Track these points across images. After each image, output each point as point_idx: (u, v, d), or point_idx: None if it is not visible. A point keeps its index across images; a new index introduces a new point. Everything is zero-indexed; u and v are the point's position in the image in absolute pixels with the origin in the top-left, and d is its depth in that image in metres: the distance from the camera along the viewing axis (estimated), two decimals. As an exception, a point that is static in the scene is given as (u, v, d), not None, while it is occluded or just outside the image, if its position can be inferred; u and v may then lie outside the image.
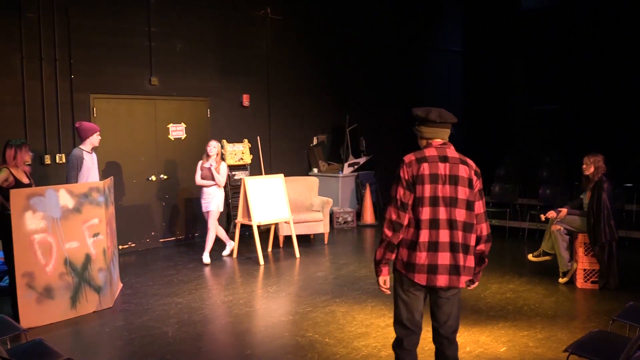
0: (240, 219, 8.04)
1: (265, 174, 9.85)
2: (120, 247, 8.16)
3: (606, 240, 6.09)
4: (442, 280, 3.17)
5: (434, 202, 3.19)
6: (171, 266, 7.57)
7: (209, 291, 6.45)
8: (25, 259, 5.22)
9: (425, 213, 3.18)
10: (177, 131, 8.97)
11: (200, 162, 7.75)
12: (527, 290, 6.22)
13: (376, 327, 5.10)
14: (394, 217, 3.23)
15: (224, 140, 9.55)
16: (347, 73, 11.38)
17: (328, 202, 8.88)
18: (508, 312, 5.49)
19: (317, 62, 10.91)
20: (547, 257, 6.58)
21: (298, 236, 8.40)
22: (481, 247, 3.31)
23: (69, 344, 4.92)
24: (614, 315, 4.08)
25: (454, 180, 3.22)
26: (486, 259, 3.38)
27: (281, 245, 8.72)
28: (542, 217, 6.59)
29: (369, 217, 10.42)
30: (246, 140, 9.83)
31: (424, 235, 3.17)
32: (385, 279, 3.34)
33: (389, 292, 3.37)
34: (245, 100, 9.81)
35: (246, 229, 9.02)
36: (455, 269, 3.18)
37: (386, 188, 12.26)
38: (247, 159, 9.77)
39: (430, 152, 3.30)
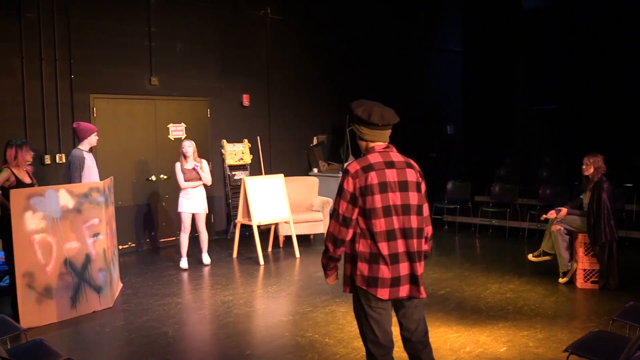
0: (240, 219, 8.04)
1: (265, 174, 9.85)
2: (120, 247, 8.16)
3: (606, 240, 6.08)
4: (403, 291, 3.03)
5: (387, 212, 3.00)
6: (171, 266, 7.57)
7: (209, 291, 6.45)
8: (25, 259, 5.21)
9: (380, 225, 2.99)
10: (177, 131, 8.97)
11: (177, 165, 7.34)
12: (527, 290, 6.22)
13: (376, 327, 5.10)
14: (335, 232, 3.04)
15: (224, 140, 9.56)
16: (347, 73, 11.38)
17: (328, 202, 8.88)
18: (508, 312, 5.49)
19: (317, 62, 10.91)
20: (547, 257, 6.58)
21: (298, 236, 8.40)
22: (426, 247, 3.19)
23: (69, 344, 4.92)
24: (614, 315, 4.08)
25: (403, 186, 3.06)
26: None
27: (281, 245, 8.72)
28: (543, 217, 6.59)
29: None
30: (246, 140, 9.84)
31: (384, 248, 2.99)
32: (334, 281, 3.35)
33: (336, 282, 3.35)
34: (245, 100, 9.81)
35: (246, 229, 9.02)
36: (414, 279, 3.04)
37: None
38: (247, 159, 9.78)
39: (374, 158, 3.07)
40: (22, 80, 7.47)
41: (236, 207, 8.94)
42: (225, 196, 9.65)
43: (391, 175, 3.04)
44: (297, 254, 8.03)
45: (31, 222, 5.23)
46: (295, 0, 10.52)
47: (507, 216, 9.18)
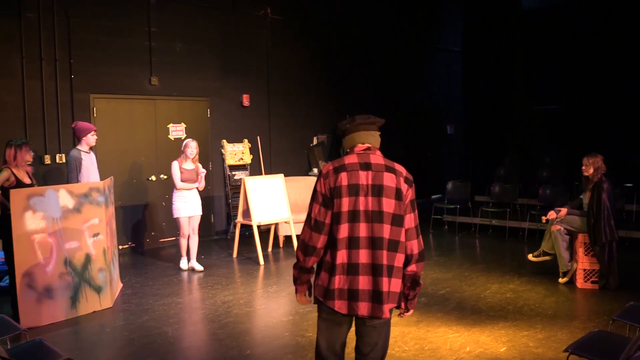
0: (240, 219, 8.04)
1: (265, 174, 9.85)
2: (120, 247, 8.16)
3: (606, 241, 6.08)
4: (363, 308, 2.75)
5: (353, 217, 2.75)
6: (171, 266, 7.57)
7: (209, 291, 6.45)
8: (25, 259, 5.21)
9: (343, 230, 2.75)
10: (177, 131, 8.97)
11: (176, 163, 7.10)
12: (527, 290, 6.22)
13: (376, 327, 5.10)
14: (306, 238, 2.83)
15: (224, 140, 9.56)
16: (347, 73, 11.39)
17: (328, 202, 8.87)
18: (508, 312, 5.49)
19: (317, 62, 10.91)
20: (547, 257, 6.58)
21: (298, 236, 8.39)
22: (412, 268, 2.86)
23: (69, 344, 4.91)
24: (614, 315, 4.07)
25: (377, 191, 2.78)
26: (421, 282, 2.96)
27: (281, 245, 8.72)
28: (544, 219, 6.58)
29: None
30: (246, 140, 9.84)
31: (342, 257, 2.75)
32: (302, 298, 3.02)
33: (308, 302, 3.03)
34: (245, 100, 9.81)
35: (246, 229, 9.03)
36: (377, 296, 2.74)
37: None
38: (247, 159, 9.78)
39: (350, 159, 2.86)
40: (22, 80, 7.47)
41: (236, 207, 8.94)
42: (225, 196, 9.65)
43: (365, 177, 2.79)
44: (297, 254, 8.01)
45: (31, 222, 5.23)
46: (295, 0, 10.52)
47: (507, 216, 9.18)
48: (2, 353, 3.23)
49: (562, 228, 6.36)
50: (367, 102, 11.75)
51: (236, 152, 9.65)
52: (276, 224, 8.52)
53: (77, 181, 6.25)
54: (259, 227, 7.78)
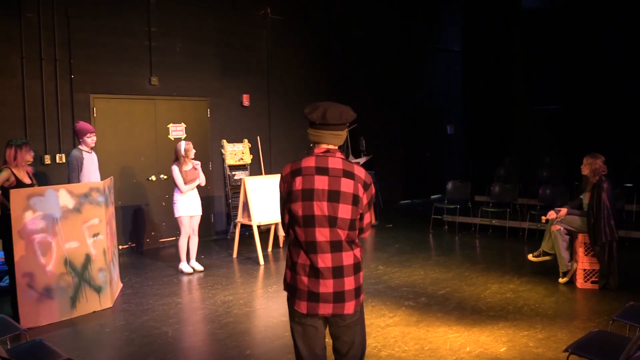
0: (240, 219, 8.04)
1: (265, 174, 9.85)
2: (120, 247, 8.16)
3: (606, 241, 6.08)
4: (324, 308, 2.76)
5: (308, 221, 2.76)
6: (171, 266, 7.56)
7: (209, 291, 6.45)
8: (25, 259, 5.21)
9: (300, 234, 2.78)
10: (177, 131, 8.97)
11: (176, 167, 7.02)
12: (527, 290, 6.22)
13: (376, 327, 5.10)
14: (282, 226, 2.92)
15: (224, 140, 9.56)
16: (347, 73, 11.39)
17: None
18: (508, 312, 5.49)
19: (317, 62, 10.91)
20: (547, 257, 6.58)
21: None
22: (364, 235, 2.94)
23: (69, 344, 4.91)
24: (614, 315, 4.07)
25: (334, 196, 2.75)
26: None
27: (281, 245, 8.72)
28: (543, 219, 6.58)
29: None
30: (246, 140, 9.84)
31: (302, 258, 2.78)
32: None
33: None
34: (245, 100, 9.81)
35: (246, 229, 9.03)
36: (340, 296, 2.77)
37: (386, 188, 12.30)
38: (247, 159, 9.78)
39: (308, 162, 2.82)
40: (22, 80, 7.47)
41: (236, 207, 8.94)
42: (225, 196, 9.65)
43: (321, 182, 2.76)
44: (297, 254, 8.02)
45: (31, 222, 5.23)
46: (295, 0, 10.52)
47: (507, 216, 9.18)
48: (2, 353, 3.23)
49: (562, 228, 6.36)
50: (367, 102, 11.76)
51: (236, 152, 9.65)
52: (276, 224, 8.51)
53: (79, 181, 6.26)
54: (259, 227, 7.78)
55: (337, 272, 2.76)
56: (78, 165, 6.31)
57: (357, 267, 2.83)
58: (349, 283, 2.79)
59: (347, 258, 2.79)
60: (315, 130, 2.86)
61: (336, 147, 2.88)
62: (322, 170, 2.78)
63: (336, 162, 2.81)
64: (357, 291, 2.83)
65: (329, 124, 2.80)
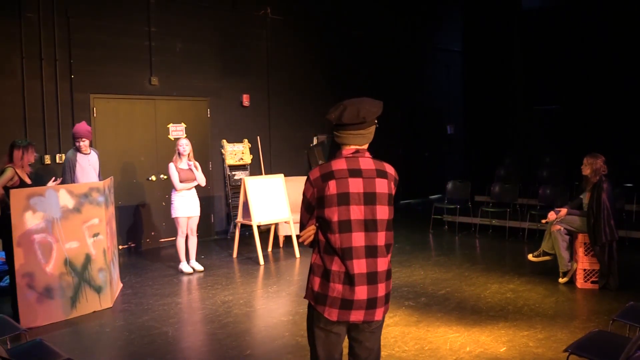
0: (240, 219, 8.04)
1: (265, 174, 9.85)
2: (120, 247, 8.17)
3: (606, 241, 6.08)
4: (356, 315, 2.69)
5: (346, 227, 2.65)
6: (171, 266, 7.56)
7: (209, 291, 6.45)
8: (25, 259, 5.21)
9: (336, 240, 2.66)
10: (177, 131, 8.97)
11: (172, 166, 7.04)
12: (527, 290, 6.22)
13: (376, 327, 5.10)
14: (300, 231, 2.86)
15: (224, 140, 9.56)
16: (347, 73, 11.38)
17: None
18: (508, 312, 5.49)
19: (317, 62, 10.91)
20: (547, 257, 6.58)
21: (298, 236, 8.39)
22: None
23: (69, 344, 4.91)
24: (614, 315, 4.07)
25: (370, 199, 2.67)
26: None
27: (281, 245, 8.72)
28: (543, 221, 6.57)
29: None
30: (246, 140, 9.84)
31: (337, 265, 2.66)
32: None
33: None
34: (245, 100, 9.81)
35: (246, 229, 9.03)
36: (373, 302, 2.69)
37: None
38: (247, 159, 9.78)
39: (338, 164, 2.70)
40: (22, 80, 7.47)
41: (236, 207, 8.94)
42: (225, 196, 9.65)
43: (355, 185, 2.66)
44: (297, 254, 8.03)
45: (31, 222, 5.23)
46: (295, 0, 10.52)
47: (507, 216, 9.18)
48: (2, 353, 3.23)
49: (562, 228, 6.36)
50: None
51: (236, 152, 9.65)
52: (276, 224, 8.51)
53: (71, 181, 6.26)
54: (259, 227, 7.78)
55: (372, 278, 2.68)
56: (70, 166, 6.33)
57: (389, 273, 2.77)
58: (381, 289, 2.71)
59: (382, 264, 2.71)
60: (337, 132, 2.76)
61: (364, 147, 2.79)
62: (355, 172, 2.68)
63: (367, 162, 2.73)
64: (388, 297, 2.78)
65: (345, 124, 2.70)
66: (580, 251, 6.27)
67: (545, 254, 6.56)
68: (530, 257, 6.71)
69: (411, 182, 13.29)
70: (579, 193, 6.69)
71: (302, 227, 2.83)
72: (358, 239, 2.66)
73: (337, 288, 2.67)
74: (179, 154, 7.10)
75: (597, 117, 11.10)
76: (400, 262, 7.56)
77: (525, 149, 12.09)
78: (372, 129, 2.80)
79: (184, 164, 7.12)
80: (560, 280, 6.43)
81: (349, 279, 2.66)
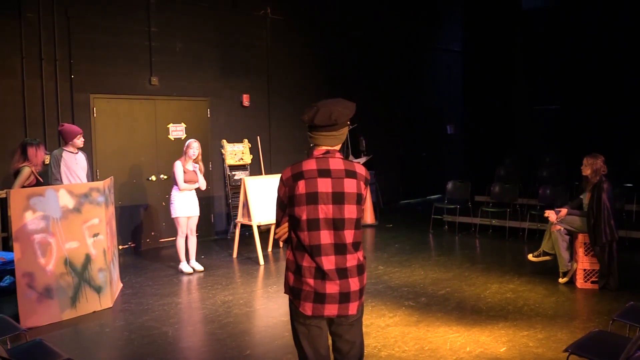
0: (240, 219, 8.04)
1: (265, 174, 9.85)
2: (120, 247, 8.17)
3: (606, 241, 6.08)
4: (330, 309, 2.77)
5: (314, 225, 2.74)
6: (171, 266, 7.56)
7: (209, 291, 6.45)
8: (25, 259, 5.21)
9: (304, 237, 2.76)
10: (177, 131, 8.97)
11: (179, 164, 7.04)
12: (527, 290, 6.22)
13: (376, 327, 5.10)
14: (276, 228, 2.94)
15: (224, 140, 9.56)
16: (347, 73, 11.39)
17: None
18: (508, 312, 5.49)
19: (317, 62, 10.91)
20: (547, 257, 6.58)
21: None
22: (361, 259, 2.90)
23: (69, 344, 4.91)
24: (614, 315, 4.07)
25: (339, 198, 2.75)
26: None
27: (281, 245, 8.72)
28: (546, 212, 6.51)
29: (368, 217, 10.41)
30: (246, 140, 9.84)
31: (307, 261, 2.76)
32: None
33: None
34: (245, 100, 9.81)
35: (246, 229, 9.02)
36: (345, 297, 2.77)
37: (386, 188, 12.30)
38: (247, 159, 9.78)
39: (308, 165, 2.79)
40: (22, 80, 7.47)
41: (236, 207, 8.93)
42: (225, 196, 9.65)
43: (324, 185, 2.75)
44: (297, 254, 8.02)
45: (31, 222, 5.23)
46: (295, 0, 10.52)
47: (507, 216, 9.18)
48: (2, 353, 3.23)
49: (562, 228, 6.36)
50: (367, 102, 11.76)
51: (236, 152, 9.65)
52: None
53: (59, 179, 6.25)
54: (259, 227, 7.78)
55: (342, 273, 2.77)
56: (56, 163, 6.29)
57: (360, 269, 2.85)
58: (354, 284, 2.80)
59: (351, 260, 2.80)
60: (310, 132, 2.84)
61: (336, 148, 2.86)
62: (324, 173, 2.77)
63: (337, 162, 2.80)
64: (361, 292, 2.85)
65: (317, 125, 2.77)
66: (580, 251, 6.27)
67: (545, 254, 6.56)
68: (530, 257, 6.71)
69: (411, 182, 13.30)
70: (579, 193, 6.69)
71: (277, 224, 2.92)
72: (326, 236, 2.75)
73: (309, 282, 2.76)
74: (189, 156, 7.07)
75: (597, 117, 11.10)
76: (400, 262, 7.56)
77: (525, 149, 12.10)
78: (345, 130, 2.86)
79: (190, 165, 7.12)
80: (560, 280, 6.43)
81: (321, 274, 2.75)
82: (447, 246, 8.76)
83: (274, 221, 8.08)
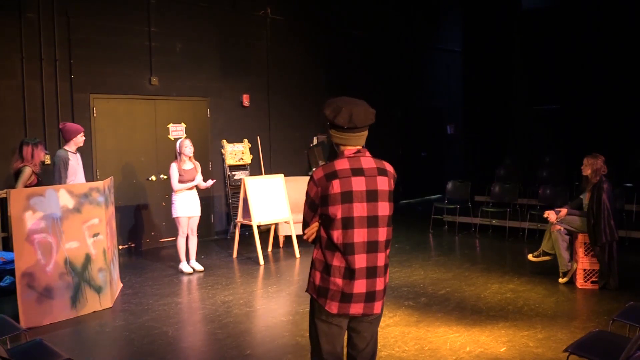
0: (240, 219, 8.04)
1: (265, 174, 9.85)
2: (120, 247, 8.17)
3: (606, 241, 6.08)
4: (355, 308, 2.80)
5: (349, 224, 2.76)
6: (171, 266, 7.56)
7: (209, 291, 6.45)
8: (25, 259, 5.21)
9: (338, 236, 2.76)
10: (177, 131, 8.97)
11: (175, 166, 7.04)
12: (527, 290, 6.22)
13: (376, 327, 5.10)
14: (304, 228, 2.95)
15: (224, 140, 9.56)
16: (347, 73, 11.38)
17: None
18: (508, 312, 5.49)
19: (317, 62, 10.91)
20: (547, 257, 6.58)
21: (298, 236, 8.40)
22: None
23: (69, 344, 4.91)
24: (614, 315, 4.07)
25: (373, 196, 2.79)
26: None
27: (281, 245, 8.72)
28: (546, 213, 6.52)
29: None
30: (246, 140, 9.84)
31: (338, 260, 2.78)
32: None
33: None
34: (245, 100, 9.81)
35: (246, 229, 9.02)
36: (372, 296, 2.81)
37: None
38: (247, 159, 9.78)
39: (341, 164, 2.80)
40: (22, 80, 7.46)
41: (236, 207, 8.94)
42: (225, 196, 9.65)
43: (358, 183, 2.78)
44: (297, 254, 8.03)
45: (31, 222, 5.23)
46: (295, 0, 10.52)
47: (507, 216, 9.18)
48: (2, 353, 3.23)
49: (562, 228, 6.36)
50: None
51: (236, 152, 9.65)
52: (276, 224, 8.51)
53: (65, 182, 6.23)
54: (259, 227, 7.78)
55: (371, 272, 2.80)
56: (64, 165, 6.26)
57: (386, 268, 2.90)
58: (380, 283, 2.84)
59: (381, 258, 2.83)
60: (341, 134, 2.85)
61: (365, 148, 2.91)
62: (358, 171, 2.80)
63: (368, 161, 2.85)
64: (385, 290, 2.90)
65: (356, 127, 2.81)
66: (580, 251, 6.27)
67: (545, 254, 6.57)
68: (530, 257, 6.71)
69: (411, 182, 13.30)
70: (579, 193, 6.69)
71: (306, 224, 2.93)
72: (360, 235, 2.78)
73: (337, 282, 2.79)
74: (185, 155, 7.06)
75: (597, 117, 11.10)
76: (400, 262, 7.56)
77: (525, 149, 12.09)
78: (367, 129, 2.93)
79: (187, 164, 7.11)
80: (560, 280, 6.43)
81: (350, 273, 2.78)
82: (447, 246, 8.76)
83: (275, 221, 8.15)
